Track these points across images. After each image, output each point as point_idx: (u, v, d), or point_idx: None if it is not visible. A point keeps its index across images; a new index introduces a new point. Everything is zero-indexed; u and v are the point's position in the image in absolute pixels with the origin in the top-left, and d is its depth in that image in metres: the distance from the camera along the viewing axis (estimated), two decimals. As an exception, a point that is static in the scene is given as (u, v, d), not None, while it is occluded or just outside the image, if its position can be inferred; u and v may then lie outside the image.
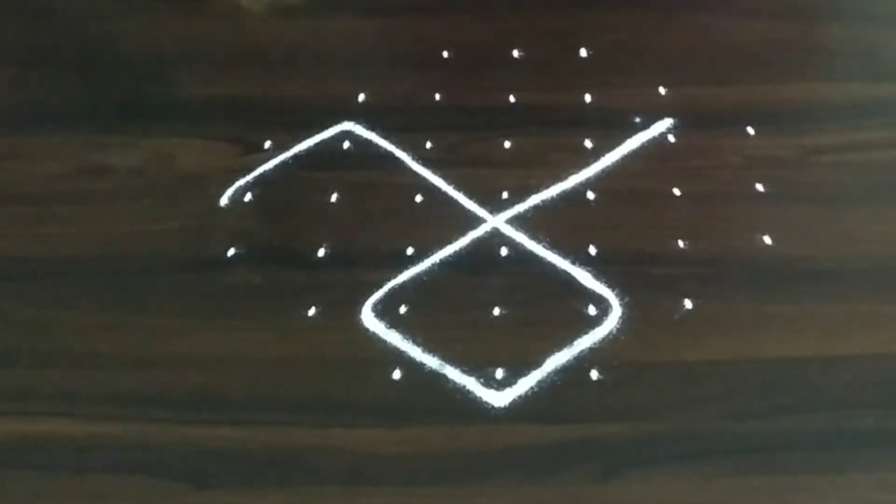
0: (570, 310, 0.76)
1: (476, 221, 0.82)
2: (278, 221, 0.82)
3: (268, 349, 0.74)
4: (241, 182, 0.86)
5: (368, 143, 0.87)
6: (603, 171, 0.86)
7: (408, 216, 0.83)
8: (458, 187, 0.85)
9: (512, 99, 0.93)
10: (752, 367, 0.72)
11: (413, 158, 0.87)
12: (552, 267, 0.79)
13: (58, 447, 0.69)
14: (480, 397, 0.71)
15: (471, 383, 0.71)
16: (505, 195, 0.84)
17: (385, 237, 0.81)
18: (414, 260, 0.79)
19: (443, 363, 0.72)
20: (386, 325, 0.75)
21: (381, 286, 0.77)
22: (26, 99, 0.96)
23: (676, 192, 0.84)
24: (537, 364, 0.72)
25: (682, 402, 0.70)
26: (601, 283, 0.77)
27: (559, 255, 0.79)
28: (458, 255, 0.80)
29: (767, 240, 0.80)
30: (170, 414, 0.71)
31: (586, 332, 0.74)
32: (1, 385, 0.73)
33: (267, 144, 0.89)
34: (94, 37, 1.03)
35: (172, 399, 0.71)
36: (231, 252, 0.80)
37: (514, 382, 0.71)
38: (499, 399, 0.70)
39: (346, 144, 0.89)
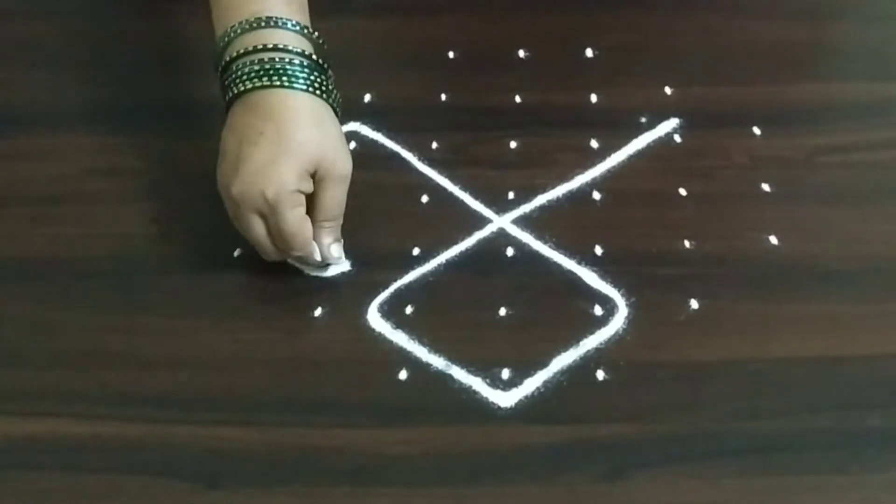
0: (576, 310, 0.75)
1: (482, 222, 0.82)
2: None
3: (274, 350, 0.74)
4: (248, 183, 0.86)
5: (374, 143, 0.87)
6: (609, 171, 0.86)
7: (414, 216, 0.83)
8: (464, 188, 0.85)
9: (518, 99, 0.93)
10: (758, 367, 0.72)
11: (419, 159, 0.87)
12: (558, 267, 0.79)
13: (64, 448, 0.69)
14: (486, 397, 0.71)
15: (477, 383, 0.71)
16: (511, 195, 0.84)
17: (391, 237, 0.81)
18: (420, 260, 0.79)
19: (449, 363, 0.72)
20: (392, 326, 0.75)
21: (387, 286, 0.77)
22: (33, 100, 0.96)
23: (682, 192, 0.84)
24: (543, 364, 0.72)
25: (689, 402, 0.70)
26: (607, 283, 0.77)
27: (565, 255, 0.79)
28: (464, 256, 0.80)
29: (773, 240, 0.80)
30: (176, 414, 0.71)
31: (592, 333, 0.74)
32: (7, 385, 0.73)
33: (273, 145, 0.89)
34: (101, 38, 1.03)
35: (179, 399, 0.72)
36: (237, 253, 0.81)
37: (521, 383, 0.71)
38: (505, 399, 0.70)
39: (352, 145, 0.89)
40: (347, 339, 0.75)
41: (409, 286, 0.78)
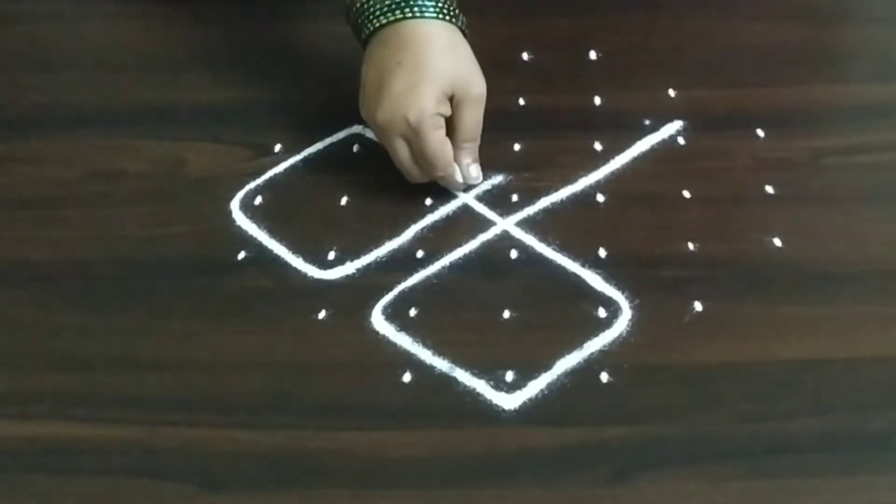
0: (580, 312, 0.75)
1: (486, 224, 0.82)
2: (288, 224, 0.82)
3: (278, 352, 0.74)
4: (252, 185, 0.86)
5: (378, 146, 0.87)
6: (612, 173, 0.86)
7: (417, 219, 0.83)
8: (468, 190, 0.85)
9: (521, 102, 0.93)
10: (761, 369, 0.72)
11: (422, 162, 0.87)
12: (562, 269, 0.79)
13: (68, 451, 0.69)
14: (490, 400, 0.70)
15: (481, 386, 0.71)
16: (515, 198, 0.84)
17: (394, 240, 0.81)
18: (424, 263, 0.79)
19: (453, 366, 0.72)
20: (396, 328, 0.75)
21: (391, 289, 0.77)
22: (36, 103, 0.96)
23: (686, 194, 0.84)
24: (547, 367, 0.72)
25: (692, 404, 0.70)
26: (611, 285, 0.77)
27: (569, 257, 0.79)
28: (467, 258, 0.80)
29: (777, 242, 0.80)
30: (180, 417, 0.71)
31: (596, 335, 0.74)
32: (11, 388, 0.73)
33: (277, 148, 0.89)
34: (104, 41, 1.03)
35: (183, 402, 0.72)
36: (241, 255, 0.81)
37: (524, 385, 0.71)
38: (509, 402, 0.70)
39: (356, 147, 0.89)
40: (351, 341, 0.75)
41: (412, 289, 0.78)
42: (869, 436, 0.68)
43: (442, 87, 0.79)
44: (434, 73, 0.79)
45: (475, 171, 0.82)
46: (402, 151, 0.80)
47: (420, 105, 0.78)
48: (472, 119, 0.81)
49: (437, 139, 0.79)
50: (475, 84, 0.81)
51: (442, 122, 0.80)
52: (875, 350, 0.73)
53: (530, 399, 0.70)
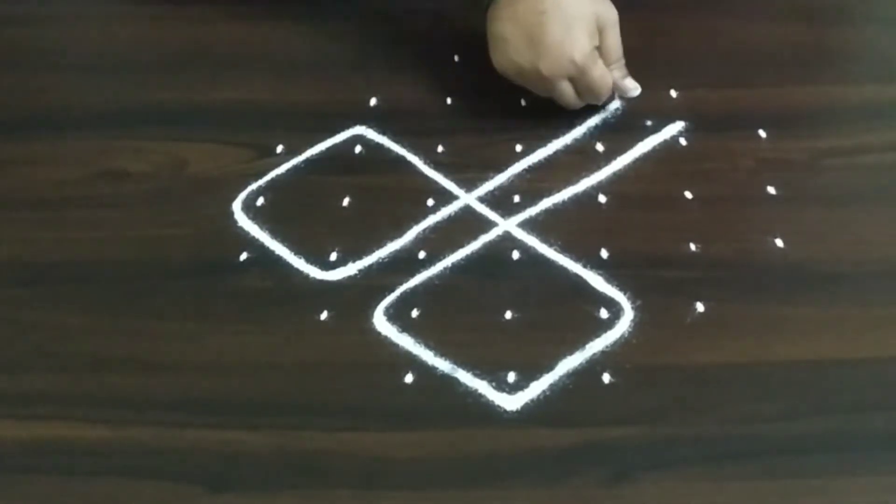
0: (582, 313, 0.75)
1: (488, 225, 0.82)
2: (290, 225, 0.82)
3: (280, 353, 0.74)
4: (254, 186, 0.86)
5: (380, 147, 0.87)
6: (614, 174, 0.86)
7: (419, 220, 0.83)
8: (470, 191, 0.85)
9: (523, 102, 0.92)
10: (764, 370, 0.72)
11: (424, 162, 0.87)
12: (564, 270, 0.79)
13: (71, 451, 0.69)
14: (492, 401, 0.71)
15: (483, 387, 0.71)
16: (516, 199, 0.84)
17: (397, 241, 0.81)
18: (426, 264, 0.79)
19: (455, 367, 0.72)
20: (398, 329, 0.75)
21: (393, 290, 0.77)
22: (37, 104, 0.96)
23: (688, 195, 0.84)
24: (549, 367, 0.72)
25: (694, 405, 0.70)
26: (613, 286, 0.77)
27: (571, 258, 0.79)
28: (469, 259, 0.80)
29: (779, 243, 0.80)
30: (183, 418, 0.71)
31: (598, 336, 0.74)
32: (15, 389, 0.73)
33: (279, 149, 0.89)
34: (104, 41, 1.03)
35: (185, 403, 0.72)
36: (244, 256, 0.81)
37: (526, 386, 0.71)
38: (511, 403, 0.70)
39: (358, 148, 0.89)
40: (353, 342, 0.75)
41: (414, 290, 0.78)
42: (870, 436, 0.68)
43: (589, 23, 0.85)
44: (580, 13, 0.85)
45: (630, 83, 0.90)
46: (568, 91, 0.87)
47: (581, 46, 0.85)
48: (615, 41, 0.88)
49: (599, 71, 0.87)
50: (610, 10, 0.87)
51: (598, 55, 0.87)
52: (877, 350, 0.73)
53: (532, 400, 0.70)
